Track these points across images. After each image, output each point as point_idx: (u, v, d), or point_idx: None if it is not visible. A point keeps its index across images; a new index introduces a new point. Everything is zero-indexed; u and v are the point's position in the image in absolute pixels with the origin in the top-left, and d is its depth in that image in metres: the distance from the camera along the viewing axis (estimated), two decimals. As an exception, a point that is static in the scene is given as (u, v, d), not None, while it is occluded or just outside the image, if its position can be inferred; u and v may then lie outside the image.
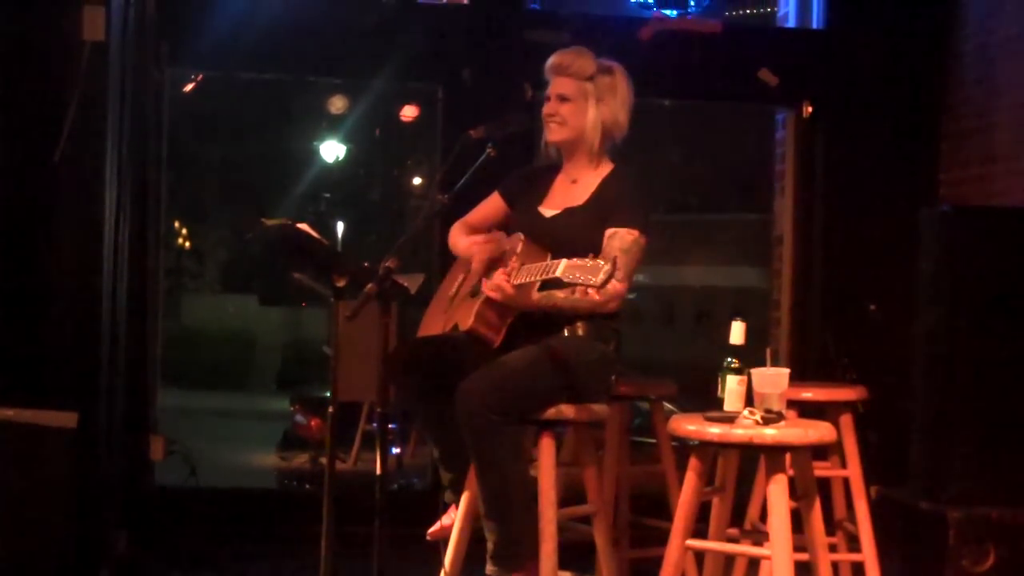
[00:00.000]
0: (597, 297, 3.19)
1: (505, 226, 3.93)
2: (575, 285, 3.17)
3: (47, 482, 4.29)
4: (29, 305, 4.65)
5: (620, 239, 3.59)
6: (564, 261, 3.22)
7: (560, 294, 3.44)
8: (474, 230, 3.97)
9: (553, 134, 3.80)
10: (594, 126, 3.75)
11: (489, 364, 3.50)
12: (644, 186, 3.76)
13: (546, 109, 3.79)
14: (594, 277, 3.10)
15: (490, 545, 3.54)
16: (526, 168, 4.01)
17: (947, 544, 4.49)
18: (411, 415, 3.90)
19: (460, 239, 3.91)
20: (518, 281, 3.50)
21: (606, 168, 3.80)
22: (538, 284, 3.45)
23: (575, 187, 3.80)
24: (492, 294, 3.56)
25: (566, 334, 3.65)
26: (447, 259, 4.00)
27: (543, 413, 3.55)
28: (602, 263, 3.12)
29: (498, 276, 3.55)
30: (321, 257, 3.66)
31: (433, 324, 3.97)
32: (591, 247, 3.58)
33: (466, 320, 3.70)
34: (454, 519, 3.75)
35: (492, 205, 3.98)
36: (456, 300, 3.90)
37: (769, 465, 3.31)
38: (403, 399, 3.74)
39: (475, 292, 3.76)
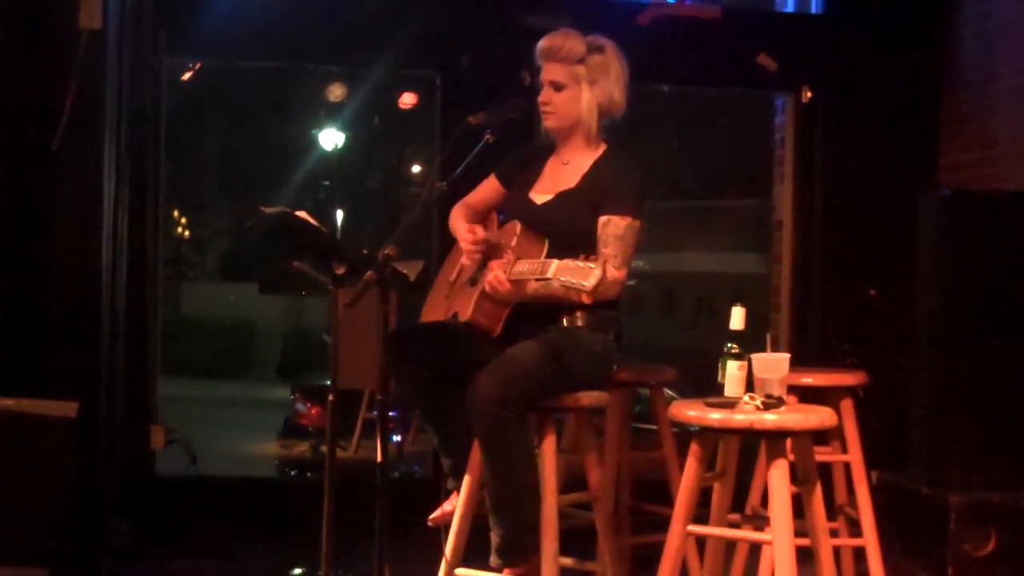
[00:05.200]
0: (587, 300, 3.21)
1: (503, 208, 3.93)
2: (567, 287, 3.17)
3: (48, 472, 4.28)
4: (29, 295, 4.65)
5: (614, 226, 3.59)
6: (556, 262, 3.22)
7: (555, 283, 3.43)
8: (475, 211, 3.95)
9: (549, 121, 3.78)
10: (590, 109, 3.74)
11: (497, 361, 3.49)
12: (636, 170, 3.74)
13: (540, 98, 3.78)
14: (585, 281, 3.11)
15: (496, 539, 3.54)
16: (522, 149, 3.98)
17: (948, 528, 4.49)
18: (411, 403, 3.89)
19: (459, 223, 3.87)
20: (513, 276, 3.49)
21: (599, 149, 3.79)
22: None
23: (566, 169, 3.79)
24: (489, 291, 3.56)
25: (565, 324, 3.65)
26: (446, 246, 3.99)
27: (546, 403, 3.56)
28: (592, 267, 3.12)
29: (494, 272, 3.54)
30: (320, 245, 3.66)
31: (435, 310, 3.97)
32: (584, 233, 3.59)
33: (465, 310, 3.69)
34: (455, 505, 3.75)
35: (490, 187, 3.96)
36: (456, 287, 3.90)
37: (770, 450, 3.31)
38: (403, 388, 3.73)
39: (474, 280, 3.75)
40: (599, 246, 3.56)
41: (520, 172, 3.89)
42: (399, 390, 3.76)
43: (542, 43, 3.78)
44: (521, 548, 3.53)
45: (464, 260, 3.81)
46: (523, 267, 3.46)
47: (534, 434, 3.59)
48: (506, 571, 3.56)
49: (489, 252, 3.74)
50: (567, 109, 3.75)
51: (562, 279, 3.17)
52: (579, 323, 3.65)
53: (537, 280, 3.41)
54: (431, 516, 3.85)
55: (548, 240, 3.60)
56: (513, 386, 3.44)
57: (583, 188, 3.71)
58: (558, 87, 3.74)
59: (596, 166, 3.74)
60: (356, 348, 3.85)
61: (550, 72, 3.76)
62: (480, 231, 3.76)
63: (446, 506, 3.82)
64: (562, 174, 3.79)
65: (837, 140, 6.05)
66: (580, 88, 3.73)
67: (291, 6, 5.66)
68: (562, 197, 3.73)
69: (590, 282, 3.10)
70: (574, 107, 3.74)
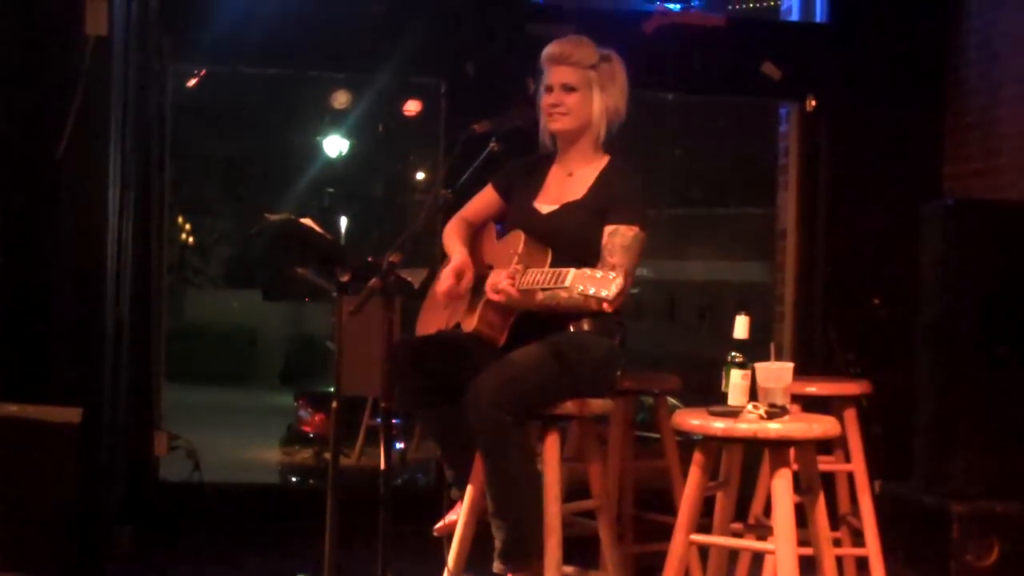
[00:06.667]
0: (608, 308, 3.19)
1: (501, 219, 3.92)
2: (586, 297, 3.17)
3: (51, 478, 4.28)
4: (33, 301, 4.65)
5: (621, 236, 3.58)
6: (573, 271, 3.21)
7: (564, 294, 3.42)
8: (471, 225, 3.94)
9: (558, 123, 3.74)
10: (600, 114, 3.73)
11: (496, 364, 3.48)
12: (641, 180, 3.74)
13: (550, 99, 3.74)
14: (607, 290, 3.11)
15: (497, 543, 3.54)
16: (520, 160, 3.95)
17: (951, 538, 4.50)
18: (414, 414, 3.88)
19: (455, 245, 3.84)
20: (523, 286, 3.48)
21: (603, 160, 3.78)
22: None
23: (571, 180, 3.78)
24: (496, 298, 3.55)
25: (572, 330, 3.65)
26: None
27: (548, 409, 3.55)
28: (613, 275, 3.13)
29: (502, 280, 3.53)
30: (324, 252, 3.66)
31: (433, 321, 3.95)
32: (590, 244, 3.58)
33: (469, 322, 3.68)
34: (459, 515, 3.75)
35: (487, 198, 3.94)
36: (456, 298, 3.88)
37: (773, 460, 3.31)
38: (407, 399, 3.72)
39: (476, 291, 3.74)
40: (605, 255, 3.56)
41: (520, 182, 3.87)
42: (402, 403, 3.75)
43: (552, 48, 3.76)
44: (522, 551, 3.52)
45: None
46: (534, 276, 3.45)
47: (537, 441, 3.59)
48: (509, 577, 3.56)
49: (493, 263, 3.74)
50: (580, 111, 3.73)
51: (581, 288, 3.16)
52: (584, 328, 3.64)
53: (545, 289, 3.40)
54: (436, 527, 3.85)
55: (552, 250, 3.60)
56: (511, 388, 3.43)
57: (590, 199, 3.70)
58: (570, 88, 3.72)
59: (602, 177, 3.73)
60: (360, 355, 3.85)
61: (561, 75, 3.73)
62: (466, 283, 3.73)
63: (450, 516, 3.81)
64: (567, 185, 3.78)
65: (841, 149, 6.05)
66: (592, 92, 3.72)
67: (296, 13, 5.67)
68: (569, 208, 3.72)
69: (612, 291, 3.10)
70: (586, 109, 3.73)
